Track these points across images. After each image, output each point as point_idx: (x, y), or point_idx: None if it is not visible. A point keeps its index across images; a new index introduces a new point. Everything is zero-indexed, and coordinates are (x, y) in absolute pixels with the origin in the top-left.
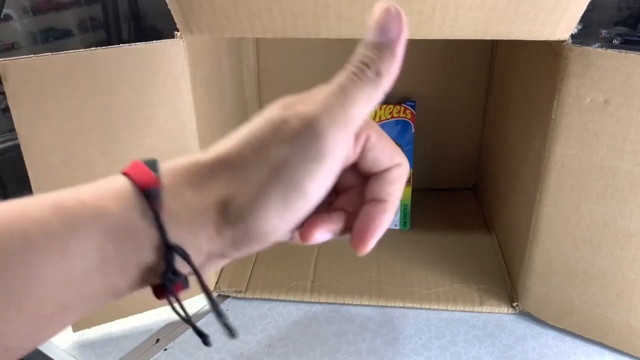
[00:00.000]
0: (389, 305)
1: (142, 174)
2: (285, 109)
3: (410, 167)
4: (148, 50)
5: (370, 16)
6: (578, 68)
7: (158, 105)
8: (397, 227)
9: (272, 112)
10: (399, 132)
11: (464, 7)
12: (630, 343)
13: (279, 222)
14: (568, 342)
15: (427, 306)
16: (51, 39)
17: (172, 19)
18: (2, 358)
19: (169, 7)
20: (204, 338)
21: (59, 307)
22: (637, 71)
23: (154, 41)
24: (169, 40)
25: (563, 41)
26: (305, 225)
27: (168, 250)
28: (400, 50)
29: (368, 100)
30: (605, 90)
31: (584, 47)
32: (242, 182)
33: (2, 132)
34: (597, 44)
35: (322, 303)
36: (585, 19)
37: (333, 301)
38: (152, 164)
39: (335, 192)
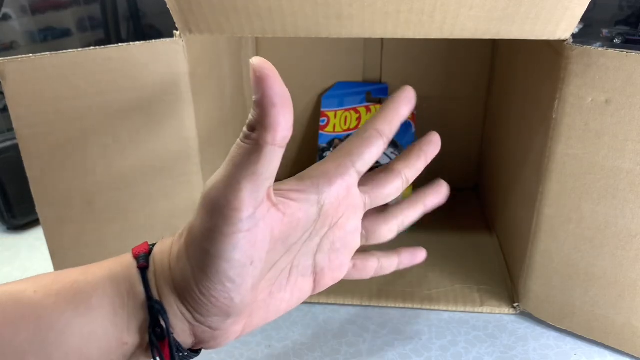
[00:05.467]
0: (389, 305)
1: (140, 247)
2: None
3: None
4: (147, 50)
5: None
6: (579, 68)
7: (157, 105)
8: None
9: None
10: (399, 132)
11: (465, 6)
12: (632, 344)
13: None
14: (569, 342)
15: (428, 307)
16: (50, 38)
17: (171, 18)
18: None
19: (167, 6)
20: None
21: None
22: (638, 71)
23: (153, 40)
24: (168, 40)
25: (564, 40)
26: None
27: (151, 303)
28: (274, 101)
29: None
30: (606, 90)
31: (585, 46)
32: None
33: (1, 132)
34: (599, 44)
35: (322, 303)
36: (586, 18)
37: (333, 301)
38: (154, 244)
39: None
